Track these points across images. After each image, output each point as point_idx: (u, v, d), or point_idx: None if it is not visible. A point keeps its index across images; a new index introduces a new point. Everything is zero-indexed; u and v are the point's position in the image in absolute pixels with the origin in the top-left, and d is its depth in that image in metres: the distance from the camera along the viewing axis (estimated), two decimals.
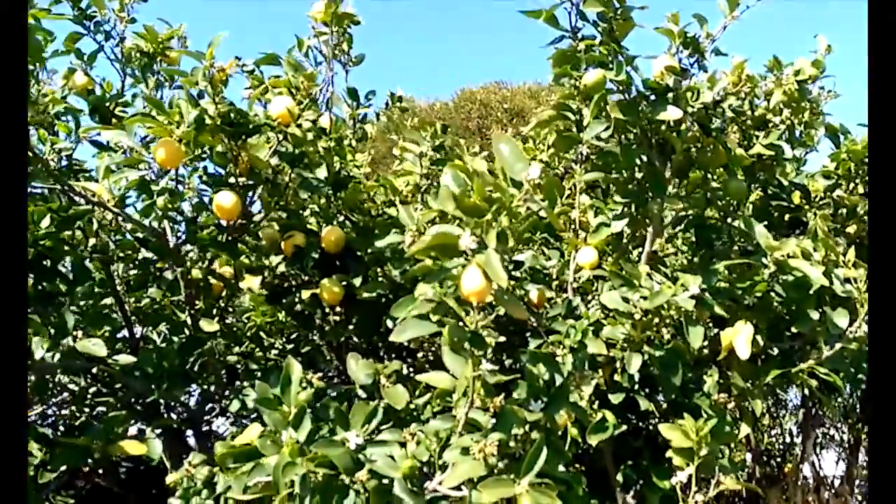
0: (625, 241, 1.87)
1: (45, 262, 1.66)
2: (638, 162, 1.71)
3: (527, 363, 1.32)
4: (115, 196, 1.72)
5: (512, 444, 1.21)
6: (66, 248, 1.71)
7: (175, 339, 1.89)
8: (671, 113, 1.53)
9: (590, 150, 1.79)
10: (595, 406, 1.56)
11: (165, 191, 1.68)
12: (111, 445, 1.59)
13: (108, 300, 2.04)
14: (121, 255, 2.03)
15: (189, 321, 1.88)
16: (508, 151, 1.12)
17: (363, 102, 2.23)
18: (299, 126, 1.59)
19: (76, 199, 1.73)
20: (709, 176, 1.74)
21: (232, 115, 1.53)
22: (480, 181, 1.11)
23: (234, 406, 1.86)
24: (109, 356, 1.68)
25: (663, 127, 1.63)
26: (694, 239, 1.87)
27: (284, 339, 2.59)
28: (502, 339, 1.59)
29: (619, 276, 1.55)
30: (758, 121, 1.81)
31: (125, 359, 1.68)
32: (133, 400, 1.79)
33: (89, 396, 1.80)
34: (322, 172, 1.84)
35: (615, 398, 1.71)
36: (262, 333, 2.48)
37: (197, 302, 1.83)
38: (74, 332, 1.65)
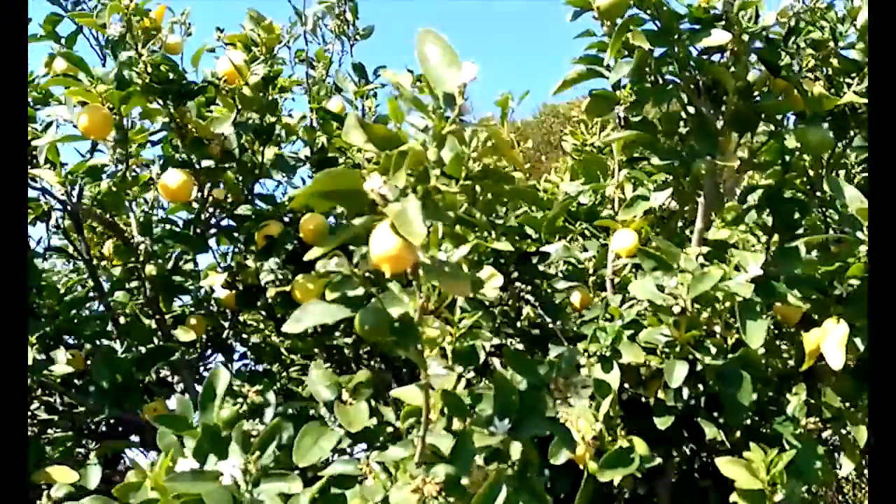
0: (677, 220, 1.47)
1: None
2: (684, 115, 1.32)
3: (499, 368, 0.95)
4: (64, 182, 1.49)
5: (465, 480, 0.85)
6: None
7: (143, 349, 1.63)
8: (716, 37, 1.14)
9: (627, 111, 1.41)
10: (623, 431, 1.16)
11: (111, 172, 1.43)
12: (36, 472, 1.33)
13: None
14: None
15: (160, 329, 1.62)
16: (438, 55, 0.77)
17: (371, 79, 1.93)
18: (248, 84, 1.30)
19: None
20: (779, 129, 1.31)
21: (164, 69, 1.26)
22: (397, 99, 0.77)
23: None
24: (45, 367, 1.43)
25: (711, 64, 1.23)
26: (769, 218, 1.44)
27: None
28: (496, 340, 1.25)
29: (651, 257, 1.16)
30: (847, 64, 1.37)
31: (61, 370, 1.42)
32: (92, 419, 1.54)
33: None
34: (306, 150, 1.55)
35: (662, 423, 1.30)
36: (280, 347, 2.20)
37: (161, 305, 1.57)
38: None
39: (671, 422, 1.29)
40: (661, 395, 1.28)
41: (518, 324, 1.68)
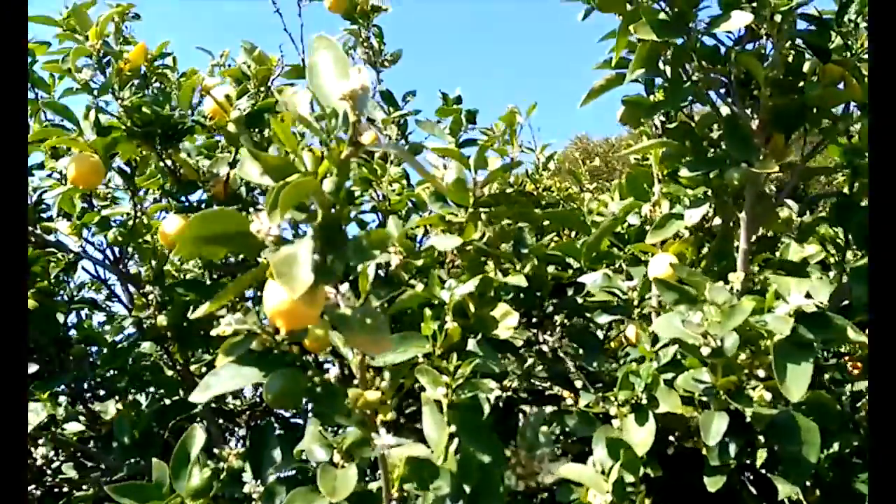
0: (727, 239, 1.26)
1: None
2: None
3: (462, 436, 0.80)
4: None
5: None
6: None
7: (167, 401, 1.58)
8: (736, 20, 0.95)
9: (646, 115, 1.23)
10: (648, 500, 0.96)
11: (120, 222, 1.39)
12: None
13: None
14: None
15: (183, 381, 1.56)
16: (329, 66, 0.65)
17: (402, 106, 1.83)
18: (231, 120, 1.22)
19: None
20: (838, 125, 1.09)
21: (146, 111, 1.20)
22: (285, 125, 0.65)
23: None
24: (59, 424, 1.39)
25: (741, 53, 1.04)
26: (838, 229, 1.21)
27: None
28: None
29: (672, 289, 0.97)
30: None
31: (74, 427, 1.38)
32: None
33: (49, 472, 1.52)
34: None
35: (712, 483, 1.09)
36: None
37: (177, 356, 1.51)
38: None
39: (723, 483, 1.08)
40: (705, 451, 1.07)
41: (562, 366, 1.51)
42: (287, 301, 0.62)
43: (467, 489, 0.74)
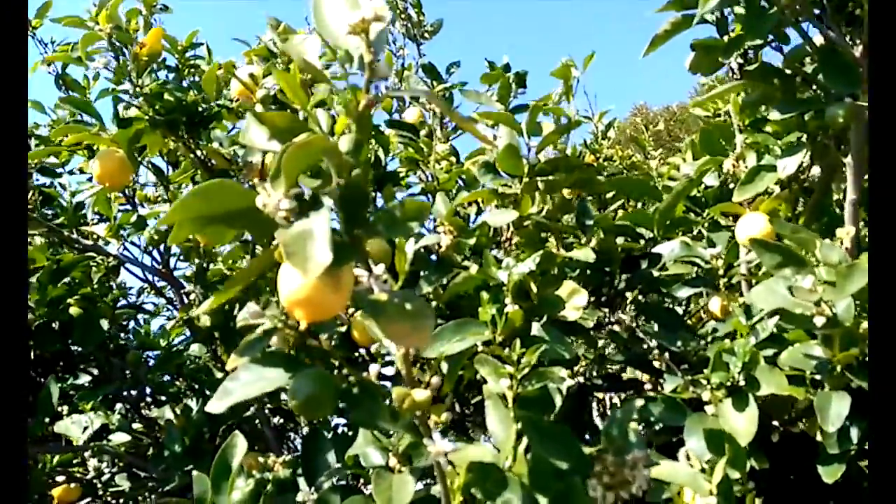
0: (826, 192, 1.09)
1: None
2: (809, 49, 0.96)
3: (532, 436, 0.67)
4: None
5: None
6: (70, 303, 1.41)
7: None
8: None
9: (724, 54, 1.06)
10: (758, 500, 0.82)
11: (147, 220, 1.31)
12: None
13: None
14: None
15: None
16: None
17: (446, 79, 1.70)
18: (259, 101, 1.11)
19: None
20: None
21: (169, 98, 1.11)
22: (293, 75, 0.53)
23: None
24: (105, 437, 1.33)
25: None
26: None
27: None
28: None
29: (773, 250, 0.81)
30: None
31: (120, 438, 1.31)
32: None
33: (100, 485, 1.46)
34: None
35: (829, 474, 0.94)
36: None
37: (224, 357, 1.42)
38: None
39: (841, 472, 0.93)
40: (820, 437, 0.92)
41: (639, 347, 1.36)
42: (305, 287, 0.51)
43: (543, 502, 0.61)
